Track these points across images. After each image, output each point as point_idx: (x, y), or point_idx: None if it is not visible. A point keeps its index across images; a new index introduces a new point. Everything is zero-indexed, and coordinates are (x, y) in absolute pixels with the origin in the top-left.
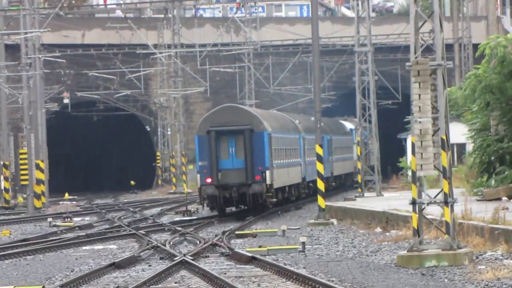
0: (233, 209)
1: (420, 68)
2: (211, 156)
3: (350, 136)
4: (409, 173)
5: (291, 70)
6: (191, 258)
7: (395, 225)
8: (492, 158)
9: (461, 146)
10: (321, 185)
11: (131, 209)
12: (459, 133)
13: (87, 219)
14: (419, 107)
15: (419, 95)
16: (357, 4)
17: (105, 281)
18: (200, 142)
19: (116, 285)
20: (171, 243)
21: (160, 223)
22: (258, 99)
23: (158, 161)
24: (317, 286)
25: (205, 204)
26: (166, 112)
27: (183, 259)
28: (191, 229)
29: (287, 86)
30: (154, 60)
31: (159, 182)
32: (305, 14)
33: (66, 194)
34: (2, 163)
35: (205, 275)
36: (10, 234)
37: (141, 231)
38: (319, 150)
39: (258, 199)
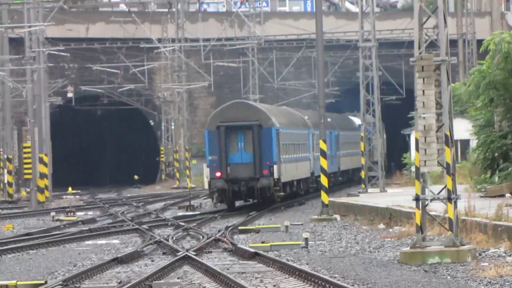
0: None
1: (424, 64)
2: (221, 151)
3: (358, 131)
4: (413, 169)
5: (295, 65)
6: (194, 253)
7: (398, 221)
8: (496, 154)
9: (465, 142)
10: (324, 180)
11: (134, 203)
12: (463, 129)
13: (90, 214)
14: (423, 102)
15: (423, 90)
16: None
17: (107, 276)
18: (210, 137)
19: (119, 280)
20: (174, 238)
21: (163, 218)
22: (262, 94)
23: (161, 155)
24: (319, 282)
25: (214, 197)
26: (170, 107)
27: (186, 255)
28: (194, 224)
29: (291, 81)
30: (158, 55)
31: (163, 176)
32: (309, 9)
33: (70, 188)
34: (6, 156)
35: (207, 271)
36: (13, 228)
37: (144, 226)
38: (322, 146)
39: (266, 193)
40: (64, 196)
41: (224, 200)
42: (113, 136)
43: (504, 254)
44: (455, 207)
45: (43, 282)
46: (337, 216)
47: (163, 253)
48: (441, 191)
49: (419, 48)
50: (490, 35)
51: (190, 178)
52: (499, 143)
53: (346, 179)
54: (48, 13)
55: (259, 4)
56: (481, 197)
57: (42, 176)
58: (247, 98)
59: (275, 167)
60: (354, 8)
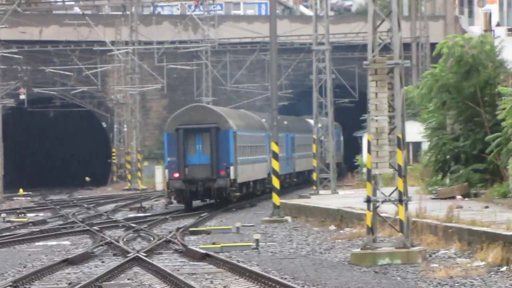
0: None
1: (377, 67)
2: (179, 152)
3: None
4: (364, 171)
5: (248, 68)
6: (145, 254)
7: (349, 223)
8: (448, 156)
9: (417, 145)
10: (276, 182)
11: (86, 205)
12: (415, 131)
13: (41, 215)
14: (376, 105)
15: (376, 93)
16: (316, 3)
17: (57, 277)
18: (169, 139)
19: (69, 282)
20: (125, 240)
21: (114, 219)
22: (215, 97)
23: (113, 157)
24: (270, 283)
25: (172, 197)
26: (123, 109)
27: (137, 256)
28: (145, 226)
29: (244, 84)
30: (111, 57)
31: (114, 178)
32: (263, 13)
33: (21, 190)
34: None
35: (158, 272)
36: None
37: (95, 227)
38: (274, 148)
39: (222, 193)
40: (15, 198)
41: (182, 200)
42: (65, 138)
43: (454, 256)
44: (406, 209)
45: None
46: (288, 218)
47: (114, 254)
48: (392, 193)
49: (373, 52)
50: (443, 39)
51: (142, 180)
52: (451, 146)
53: (302, 180)
54: (2, 16)
55: (213, 7)
56: (433, 199)
57: None
58: (200, 101)
59: (231, 168)
60: (308, 12)
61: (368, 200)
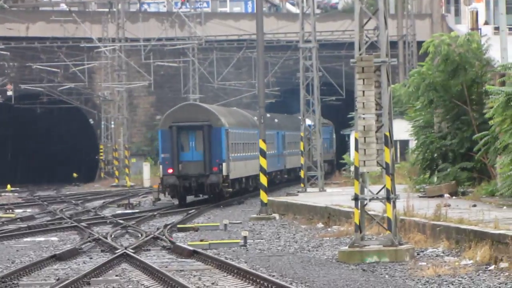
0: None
1: (364, 65)
2: (173, 149)
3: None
4: (352, 169)
5: (235, 66)
6: (133, 251)
7: (337, 220)
8: (435, 155)
9: (404, 143)
10: (263, 180)
11: (73, 201)
12: (402, 130)
13: (29, 211)
14: (363, 103)
15: (363, 91)
16: (302, 1)
17: (45, 273)
18: (163, 136)
19: (57, 277)
20: (113, 236)
21: (102, 215)
22: (202, 94)
23: (101, 154)
24: (258, 280)
25: (166, 193)
26: (110, 106)
27: (124, 252)
28: (133, 222)
29: (231, 81)
30: (98, 54)
31: (102, 175)
32: (250, 10)
33: (8, 186)
34: None
35: (146, 268)
36: None
37: (83, 224)
38: (262, 145)
39: (215, 189)
40: (3, 194)
41: (175, 196)
42: (52, 134)
43: (442, 254)
44: (394, 207)
45: None
46: (276, 215)
47: (102, 251)
48: (380, 191)
49: (360, 50)
50: (430, 37)
51: (129, 176)
52: (438, 144)
53: (293, 177)
54: None
55: (200, 4)
56: (420, 197)
57: None
58: (187, 98)
59: (224, 164)
60: (295, 9)
61: (356, 198)
